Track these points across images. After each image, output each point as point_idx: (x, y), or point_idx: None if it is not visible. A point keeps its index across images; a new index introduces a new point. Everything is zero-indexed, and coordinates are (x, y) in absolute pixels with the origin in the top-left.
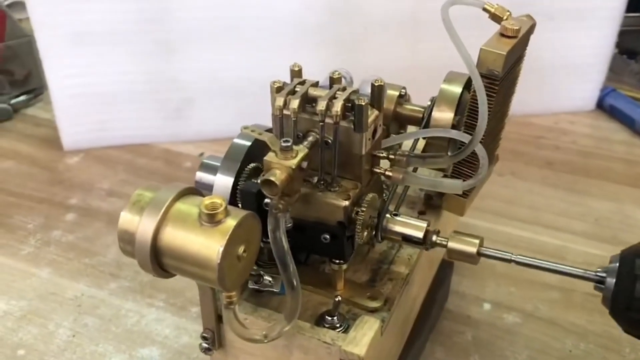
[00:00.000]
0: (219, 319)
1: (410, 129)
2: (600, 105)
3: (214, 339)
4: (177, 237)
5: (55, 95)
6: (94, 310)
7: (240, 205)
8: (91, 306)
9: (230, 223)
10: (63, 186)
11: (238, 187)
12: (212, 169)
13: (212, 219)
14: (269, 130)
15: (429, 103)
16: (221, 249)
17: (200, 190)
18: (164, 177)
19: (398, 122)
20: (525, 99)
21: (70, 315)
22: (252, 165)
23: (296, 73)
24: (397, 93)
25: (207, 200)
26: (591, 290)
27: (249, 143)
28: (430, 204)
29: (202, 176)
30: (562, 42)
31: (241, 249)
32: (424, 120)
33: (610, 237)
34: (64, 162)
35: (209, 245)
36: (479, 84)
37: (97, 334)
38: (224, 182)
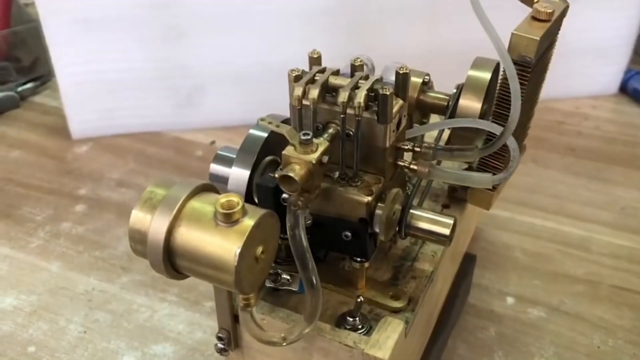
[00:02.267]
0: (235, 318)
1: (434, 117)
2: (623, 88)
3: (229, 339)
4: (192, 237)
5: (63, 83)
6: (105, 305)
7: (256, 200)
8: (102, 301)
9: (248, 223)
10: (72, 176)
11: (254, 181)
12: (227, 161)
13: (228, 218)
14: (286, 121)
15: (455, 91)
16: (238, 251)
17: (215, 184)
18: (175, 167)
19: (421, 110)
20: (545, 82)
21: (81, 310)
22: (269, 158)
23: (315, 60)
24: (420, 80)
25: (223, 199)
26: (618, 283)
27: (265, 134)
28: (455, 197)
29: (217, 169)
30: (585, 23)
31: (259, 250)
32: (448, 109)
33: (638, 227)
34: (72, 151)
35: (225, 246)
36: (511, 72)
37: (108, 330)
38: (239, 175)
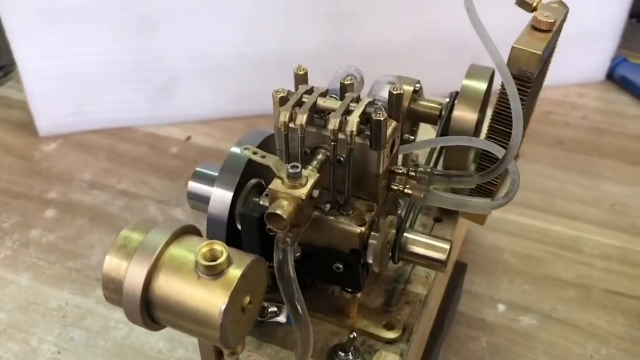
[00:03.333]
0: (220, 354)
1: (423, 126)
2: (610, 75)
3: None
4: (172, 290)
5: (27, 77)
6: (81, 321)
7: (240, 227)
8: (77, 317)
9: (234, 274)
10: (41, 177)
11: (237, 210)
12: (208, 180)
13: (211, 270)
14: (270, 138)
15: (447, 100)
16: (224, 307)
17: (194, 202)
18: (149, 165)
19: (411, 119)
20: None
21: (54, 328)
22: (252, 181)
23: (301, 78)
24: (411, 88)
25: (204, 248)
26: (610, 287)
27: None
28: (447, 210)
29: (196, 187)
30: (573, 9)
31: (246, 300)
32: (441, 119)
33: (628, 225)
34: (40, 149)
35: (209, 301)
36: (512, 90)
37: (84, 349)
38: (221, 197)
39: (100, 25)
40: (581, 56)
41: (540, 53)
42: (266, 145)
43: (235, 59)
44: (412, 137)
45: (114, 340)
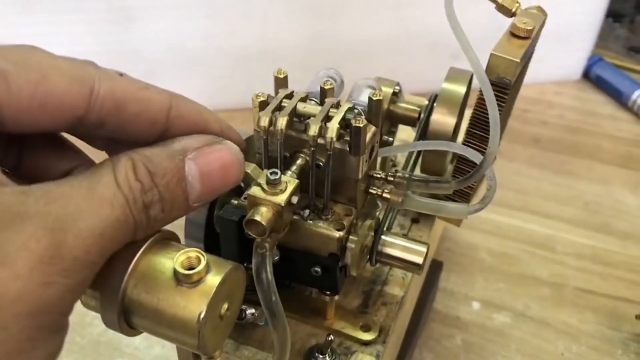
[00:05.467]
0: (197, 356)
1: (402, 127)
2: (587, 74)
3: None
4: (149, 298)
5: None
6: None
7: (218, 231)
8: None
9: (212, 282)
10: None
11: (215, 213)
12: None
13: (189, 279)
14: (249, 140)
15: (427, 102)
16: (202, 315)
17: None
18: None
19: (390, 120)
20: None
21: None
22: None
23: (281, 82)
24: (390, 90)
25: (182, 256)
26: (582, 285)
27: None
28: None
29: None
30: (550, 7)
31: (224, 308)
32: (420, 122)
33: (601, 224)
34: None
35: (187, 308)
36: (490, 98)
37: None
38: None
39: (75, 16)
40: (558, 55)
41: (519, 61)
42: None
43: (213, 52)
44: (391, 139)
45: (90, 336)
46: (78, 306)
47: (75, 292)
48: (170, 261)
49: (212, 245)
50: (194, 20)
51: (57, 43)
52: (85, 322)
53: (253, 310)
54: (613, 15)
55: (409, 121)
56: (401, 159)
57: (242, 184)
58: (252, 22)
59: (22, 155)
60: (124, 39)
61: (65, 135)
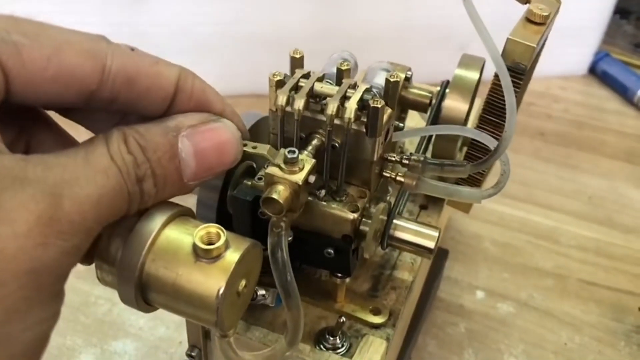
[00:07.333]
0: (207, 335)
1: (412, 113)
2: (593, 70)
3: (200, 357)
4: (168, 273)
5: None
6: None
7: (231, 212)
8: None
9: (231, 258)
10: None
11: (229, 192)
12: None
13: (208, 254)
14: (263, 120)
15: (438, 88)
16: (221, 291)
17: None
18: None
19: (401, 106)
20: None
21: None
22: (244, 163)
23: (297, 62)
24: (403, 75)
25: (202, 231)
26: (585, 277)
27: None
28: (432, 198)
29: None
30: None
31: (242, 285)
32: (431, 107)
33: (605, 218)
34: None
35: (206, 285)
36: (507, 84)
37: (64, 324)
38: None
39: None
40: (565, 49)
41: (535, 46)
42: (257, 127)
43: (222, 37)
44: (401, 125)
45: (94, 316)
46: (82, 285)
47: (71, 256)
48: (190, 237)
49: (224, 227)
50: (203, 4)
51: (65, 23)
52: (90, 301)
53: (264, 292)
54: (620, 12)
55: (421, 107)
56: (409, 146)
57: (255, 166)
58: (262, 8)
59: (19, 137)
60: (131, 22)
61: (66, 132)
